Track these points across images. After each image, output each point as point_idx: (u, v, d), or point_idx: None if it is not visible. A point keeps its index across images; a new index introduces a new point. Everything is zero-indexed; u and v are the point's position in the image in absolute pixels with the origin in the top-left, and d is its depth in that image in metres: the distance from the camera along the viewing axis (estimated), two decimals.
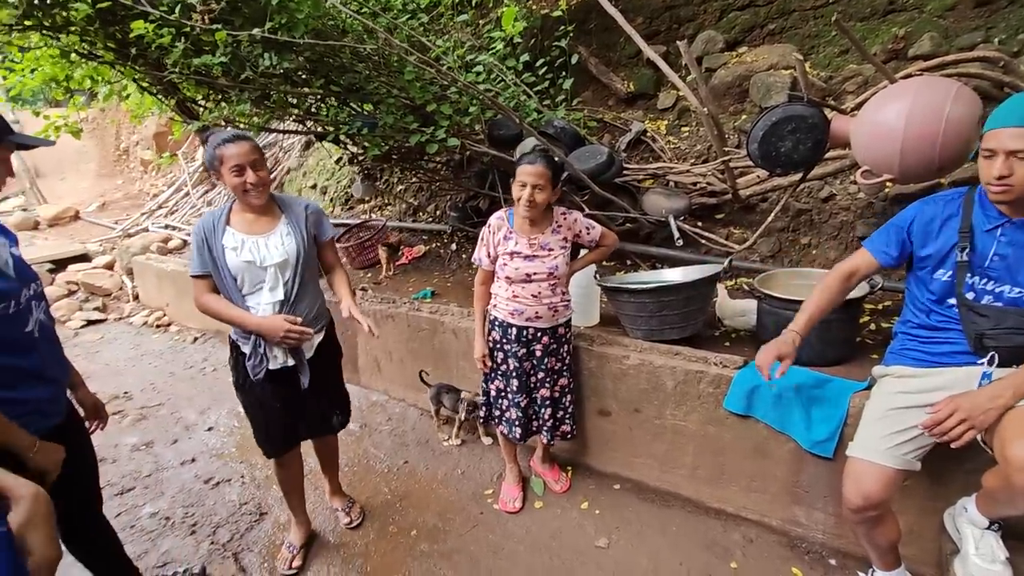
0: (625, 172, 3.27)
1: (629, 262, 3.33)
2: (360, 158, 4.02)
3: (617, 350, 2.39)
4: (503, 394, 2.31)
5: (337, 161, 5.61)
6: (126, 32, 2.42)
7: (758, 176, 2.95)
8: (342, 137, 3.36)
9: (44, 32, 2.52)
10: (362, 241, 4.09)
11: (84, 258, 6.47)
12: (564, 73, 3.60)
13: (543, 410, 2.27)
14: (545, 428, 2.28)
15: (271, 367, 1.83)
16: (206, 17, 2.39)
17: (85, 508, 1.66)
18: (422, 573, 2.07)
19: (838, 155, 2.72)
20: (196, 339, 4.64)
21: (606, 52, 4.40)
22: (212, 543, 2.25)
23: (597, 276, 2.60)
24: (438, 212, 4.58)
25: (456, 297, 3.34)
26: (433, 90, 3.00)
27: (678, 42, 2.45)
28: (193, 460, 2.87)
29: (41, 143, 1.51)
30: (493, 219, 2.19)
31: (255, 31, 2.39)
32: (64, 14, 2.37)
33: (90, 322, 5.24)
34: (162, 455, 2.94)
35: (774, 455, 2.06)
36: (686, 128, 3.72)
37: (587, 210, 3.06)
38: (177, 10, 2.35)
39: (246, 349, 1.82)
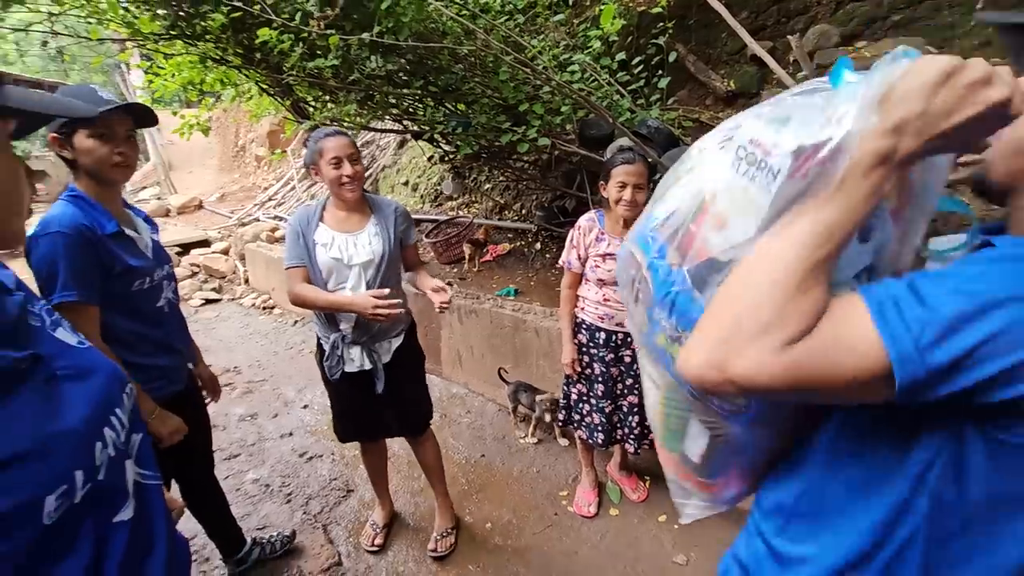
0: None
1: None
2: (451, 156, 4.14)
3: None
4: (585, 399, 2.28)
5: (429, 159, 5.82)
6: (252, 39, 2.65)
7: None
8: (436, 136, 3.48)
9: (186, 40, 2.82)
10: (449, 237, 4.21)
11: (205, 243, 7.19)
12: (660, 71, 3.48)
13: (630, 418, 2.21)
14: (632, 436, 2.23)
15: (347, 369, 1.86)
16: (321, 23, 2.56)
17: (200, 468, 1.86)
18: (495, 566, 2.10)
19: (974, 160, 2.43)
20: (296, 322, 5.00)
21: (705, 49, 4.21)
22: (304, 512, 2.43)
23: None
24: (524, 211, 4.61)
25: (539, 296, 3.35)
26: (526, 90, 3.02)
27: (789, 36, 2.30)
28: (291, 434, 3.10)
29: (148, 122, 1.52)
30: (583, 220, 2.17)
31: (364, 35, 2.53)
32: (203, 24, 2.64)
33: (208, 301, 5.82)
34: (264, 427, 3.21)
35: None
36: None
37: None
38: (297, 17, 2.54)
39: (326, 347, 1.87)
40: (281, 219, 7.05)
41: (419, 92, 3.15)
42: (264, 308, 5.48)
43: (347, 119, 3.20)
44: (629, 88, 3.56)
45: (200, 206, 9.74)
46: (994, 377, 0.47)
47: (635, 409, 2.21)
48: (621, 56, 3.31)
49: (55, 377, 0.59)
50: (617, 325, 2.12)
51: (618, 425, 2.27)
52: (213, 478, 1.96)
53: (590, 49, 2.97)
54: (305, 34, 2.57)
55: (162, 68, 3.30)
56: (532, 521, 2.33)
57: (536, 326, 2.94)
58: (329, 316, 1.86)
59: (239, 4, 2.48)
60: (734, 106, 3.90)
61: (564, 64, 3.21)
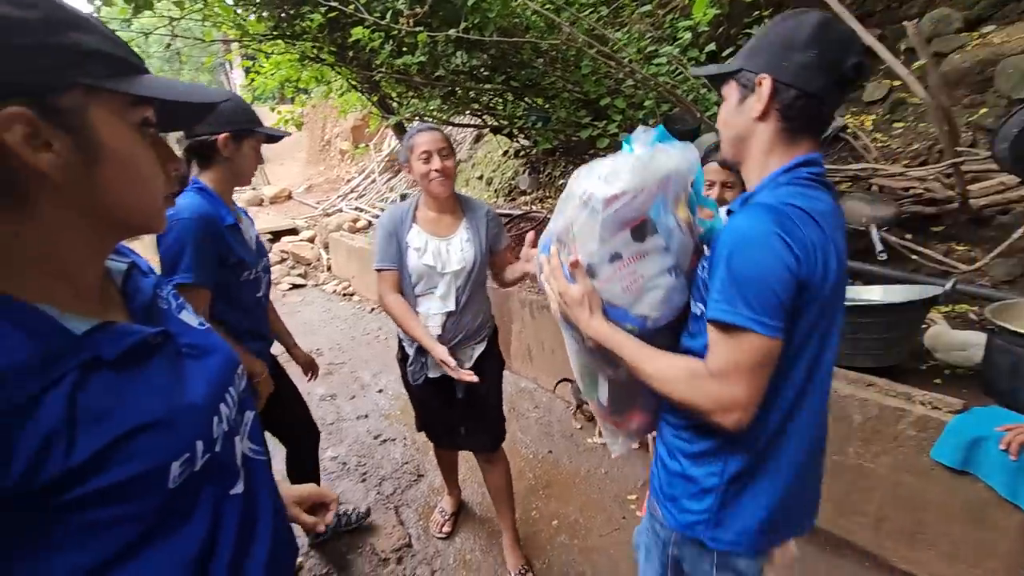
0: None
1: None
2: (528, 151, 4.15)
3: None
4: None
5: (504, 153, 5.87)
6: (346, 38, 2.78)
7: (1002, 183, 2.42)
8: (515, 131, 3.49)
9: (286, 40, 3.00)
10: (523, 232, 4.23)
11: (293, 232, 7.66)
12: None
13: None
14: None
15: (430, 375, 1.84)
16: (411, 21, 2.63)
17: (309, 439, 2.13)
18: (561, 564, 2.09)
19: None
20: (373, 309, 5.22)
21: None
22: (378, 493, 2.53)
23: None
24: None
25: None
26: (607, 84, 2.96)
27: (905, 23, 2.10)
28: (366, 416, 3.24)
29: (282, 134, 1.82)
30: None
31: (451, 31, 2.57)
32: (302, 24, 2.80)
33: (294, 286, 6.20)
34: (343, 407, 3.37)
35: (998, 525, 1.68)
36: (900, 124, 3.19)
37: None
38: (388, 16, 2.63)
39: (409, 351, 1.85)
40: (361, 210, 7.37)
41: (500, 87, 3.18)
42: (344, 294, 5.76)
43: (430, 114, 3.28)
44: None
45: (290, 196, 10.38)
46: None
47: None
48: (711, 47, 3.16)
49: (180, 354, 0.63)
50: None
51: None
52: (316, 452, 2.14)
53: (679, 40, 2.86)
54: (395, 32, 2.65)
55: (263, 67, 3.54)
56: (599, 523, 2.30)
57: None
58: None
59: (335, 4, 2.60)
60: None
61: (649, 57, 3.12)
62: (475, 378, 1.61)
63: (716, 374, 0.87)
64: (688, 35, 2.78)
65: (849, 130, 3.24)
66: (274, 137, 1.70)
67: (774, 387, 0.88)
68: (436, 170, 1.69)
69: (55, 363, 0.50)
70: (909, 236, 2.67)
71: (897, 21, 3.44)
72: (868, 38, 2.38)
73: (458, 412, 1.91)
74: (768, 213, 0.85)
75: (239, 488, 0.67)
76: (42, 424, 0.47)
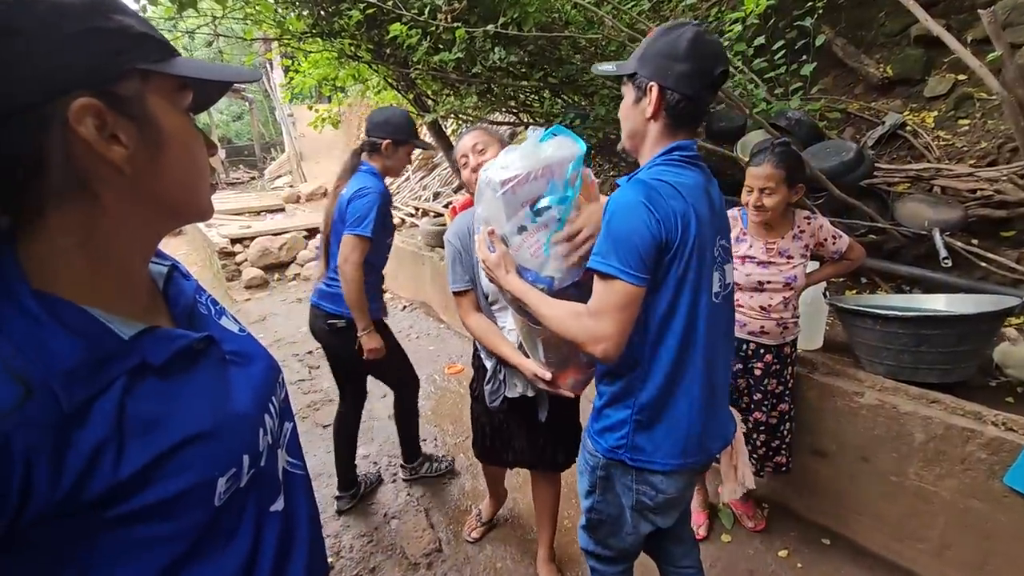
0: (875, 173, 2.75)
1: (864, 280, 2.80)
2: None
3: (847, 384, 2.02)
4: None
5: None
6: (383, 35, 2.76)
7: None
8: None
9: (324, 38, 3.00)
10: None
11: None
12: (804, 57, 3.14)
13: (755, 435, 2.03)
14: (755, 456, 2.04)
15: (509, 395, 1.66)
16: (449, 16, 2.59)
17: (411, 386, 2.54)
18: None
19: None
20: (404, 307, 5.23)
21: (857, 31, 3.74)
22: (408, 495, 2.50)
23: (826, 294, 2.22)
24: None
25: None
26: None
27: (980, 11, 1.93)
28: None
29: (429, 147, 2.25)
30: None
31: (489, 27, 2.52)
32: (340, 21, 2.79)
33: None
34: (374, 407, 3.36)
35: None
36: (966, 121, 2.98)
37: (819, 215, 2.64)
38: (426, 12, 2.60)
39: (488, 365, 1.69)
40: (394, 207, 7.41)
41: (538, 84, 3.11)
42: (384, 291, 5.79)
43: (465, 112, 3.24)
44: (765, 76, 3.25)
45: (326, 193, 10.55)
46: None
47: (760, 427, 2.02)
48: (760, 40, 3.02)
49: (224, 361, 0.60)
50: (749, 333, 1.95)
51: None
52: (417, 397, 2.55)
53: (727, 33, 2.74)
54: (432, 28, 2.62)
55: (301, 65, 3.56)
56: None
57: None
58: None
59: (374, 1, 2.58)
60: (890, 95, 3.43)
61: None
62: (571, 393, 1.49)
63: (592, 313, 1.09)
64: (737, 28, 2.66)
65: (908, 128, 3.05)
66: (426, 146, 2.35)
67: (659, 336, 1.13)
68: (474, 169, 1.57)
69: (104, 369, 0.47)
70: (976, 241, 2.49)
71: (964, 10, 3.22)
72: (936, 28, 2.22)
73: (535, 434, 1.76)
74: (640, 187, 1.08)
75: (279, 505, 0.63)
76: (91, 433, 0.44)
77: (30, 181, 0.45)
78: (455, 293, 1.65)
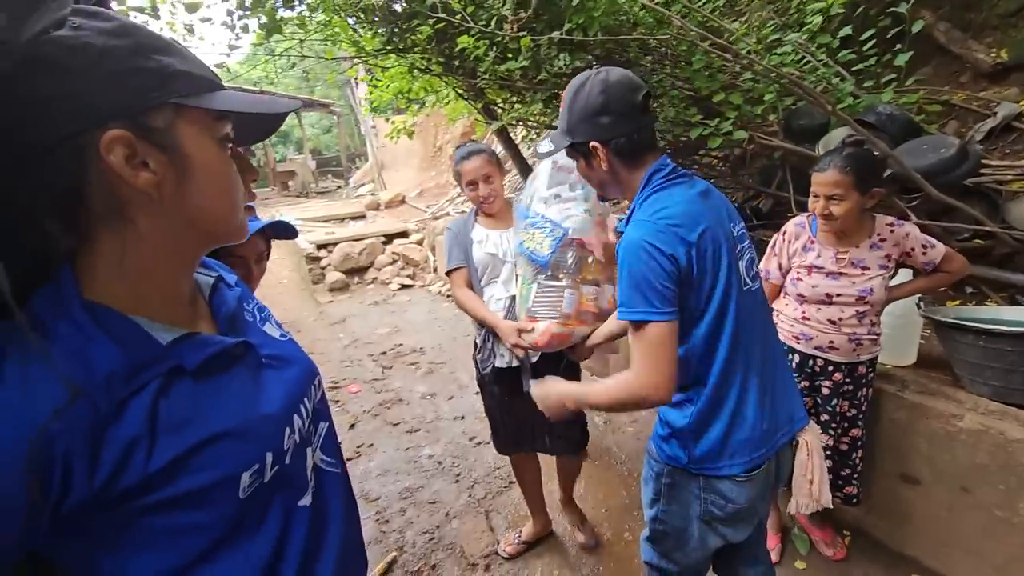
0: (983, 171, 2.47)
1: (970, 289, 2.52)
2: None
3: (944, 404, 1.83)
4: None
5: None
6: (452, 48, 2.85)
7: None
8: None
9: (398, 53, 3.15)
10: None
11: (404, 234, 8.09)
12: (898, 46, 2.88)
13: None
14: None
15: (498, 364, 1.85)
16: (515, 26, 2.64)
17: None
18: None
19: None
20: None
21: (964, 14, 3.38)
22: (470, 496, 2.56)
23: (921, 305, 2.03)
24: None
25: None
26: (722, 79, 2.75)
27: None
28: (463, 417, 3.30)
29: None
30: (791, 225, 1.89)
31: (554, 34, 2.54)
32: (412, 37, 2.92)
33: (403, 286, 6.54)
34: (441, 407, 3.47)
35: None
36: None
37: (914, 219, 2.41)
38: (492, 23, 2.65)
39: (479, 341, 1.93)
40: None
41: None
42: (448, 296, 5.96)
43: (532, 119, 3.27)
44: (853, 69, 3.01)
45: (403, 201, 11.01)
46: None
47: (827, 451, 1.86)
48: (846, 31, 2.81)
49: (261, 365, 0.65)
50: (816, 348, 1.81)
51: None
52: None
53: (809, 24, 2.58)
54: (499, 38, 2.67)
55: (379, 81, 3.76)
56: None
57: None
58: None
59: (443, 16, 2.67)
60: (1004, 82, 3.07)
61: (771, 46, 2.85)
62: (541, 344, 1.68)
63: (639, 363, 1.10)
64: (818, 19, 2.49)
65: None
66: None
67: (708, 348, 1.15)
68: (483, 197, 1.87)
69: (141, 372, 0.52)
70: None
71: None
72: None
73: (530, 409, 1.78)
74: (641, 227, 1.11)
75: (307, 500, 0.67)
76: (125, 430, 0.49)
77: (73, 205, 0.51)
78: (448, 272, 1.93)
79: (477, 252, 1.88)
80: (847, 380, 1.81)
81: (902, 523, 1.98)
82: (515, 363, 1.84)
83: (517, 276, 1.80)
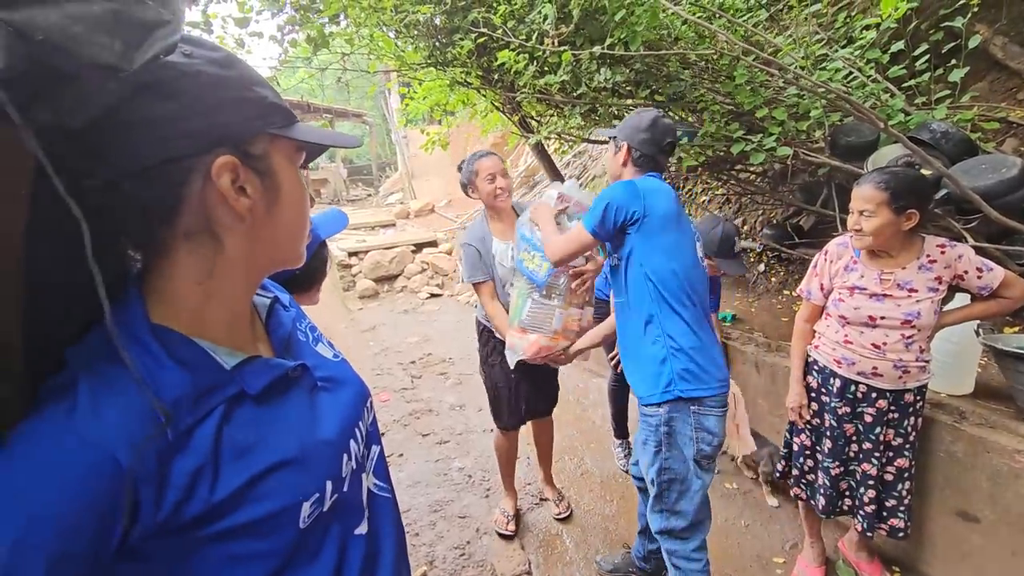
0: None
1: None
2: (669, 168, 3.94)
3: (1006, 439, 1.73)
4: (809, 452, 1.93)
5: None
6: (491, 62, 2.87)
7: None
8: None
9: (438, 67, 3.19)
10: None
11: (434, 244, 8.16)
12: (952, 61, 2.78)
13: (863, 489, 1.80)
14: (862, 513, 1.81)
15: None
16: (556, 40, 2.64)
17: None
18: None
19: None
20: None
21: (1021, 28, 3.25)
22: (503, 512, 2.52)
23: (980, 332, 1.93)
24: (746, 227, 4.16)
25: (760, 325, 2.97)
26: (765, 94, 2.69)
27: None
28: (492, 430, 3.26)
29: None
30: (833, 245, 1.83)
31: (595, 48, 2.53)
32: (453, 51, 2.95)
33: (432, 295, 6.58)
34: (470, 418, 3.46)
35: None
36: None
37: (971, 241, 2.30)
38: (532, 38, 2.66)
39: (485, 326, 2.23)
40: None
41: (643, 102, 3.05)
42: (476, 306, 5.97)
43: (569, 132, 3.26)
44: (903, 85, 2.93)
45: (432, 210, 11.12)
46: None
47: (870, 481, 1.78)
48: (897, 46, 2.73)
49: (316, 388, 0.64)
50: (858, 374, 1.73)
51: (846, 494, 1.86)
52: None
53: (860, 39, 2.51)
54: (539, 53, 2.68)
55: (416, 93, 3.81)
56: None
57: (757, 360, 2.60)
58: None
59: (484, 31, 2.70)
60: None
61: (818, 61, 2.79)
62: (532, 355, 1.91)
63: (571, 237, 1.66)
64: (870, 34, 2.43)
65: None
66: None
67: (669, 279, 1.55)
68: (501, 188, 2.05)
69: (206, 398, 0.52)
70: None
71: None
72: None
73: (533, 390, 2.27)
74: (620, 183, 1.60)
75: (363, 528, 0.66)
76: (191, 459, 0.49)
77: (162, 225, 0.51)
78: (475, 284, 2.11)
79: (499, 269, 2.09)
80: (892, 408, 1.73)
81: (959, 563, 1.87)
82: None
83: (512, 284, 2.04)
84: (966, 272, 1.63)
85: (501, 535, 2.36)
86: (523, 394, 2.25)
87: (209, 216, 0.52)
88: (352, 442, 0.65)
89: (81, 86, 0.40)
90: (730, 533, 2.31)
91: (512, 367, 2.03)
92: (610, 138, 1.75)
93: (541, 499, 2.63)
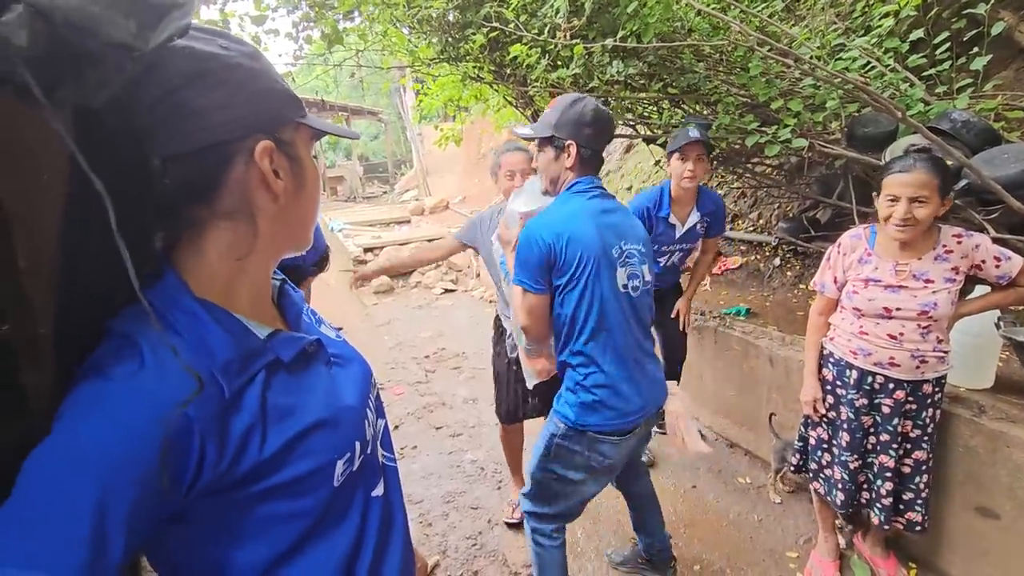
0: None
1: None
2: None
3: None
4: (826, 446, 1.91)
5: (656, 163, 5.63)
6: (504, 56, 2.88)
7: None
8: (671, 140, 3.31)
9: (450, 62, 3.21)
10: None
11: None
12: (975, 48, 2.72)
13: (880, 482, 1.78)
14: (879, 505, 1.79)
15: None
16: (568, 34, 2.64)
17: None
18: None
19: None
20: None
21: None
22: (510, 503, 2.54)
23: (1002, 324, 1.89)
24: (761, 221, 4.12)
25: (775, 319, 2.94)
26: (780, 85, 2.66)
27: None
28: None
29: None
30: (846, 238, 1.81)
31: (607, 41, 2.52)
32: (465, 46, 2.96)
33: (446, 290, 6.62)
34: (483, 412, 3.48)
35: None
36: None
37: (992, 232, 2.25)
38: (545, 32, 2.66)
39: (507, 326, 2.18)
40: None
41: (656, 95, 3.04)
42: (490, 301, 5.99)
43: None
44: (923, 74, 2.87)
45: (447, 207, 11.17)
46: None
47: (887, 473, 1.76)
48: (917, 34, 2.68)
49: (330, 362, 0.68)
50: (875, 364, 1.71)
51: (864, 487, 1.84)
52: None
53: (876, 29, 2.47)
54: (551, 47, 2.68)
55: (429, 89, 3.83)
56: None
57: (771, 354, 2.58)
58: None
59: (496, 25, 2.70)
60: None
61: (835, 51, 2.75)
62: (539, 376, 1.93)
63: (518, 310, 1.54)
64: (888, 22, 2.39)
65: None
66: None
67: (573, 322, 1.48)
68: (518, 188, 1.97)
69: (251, 362, 0.56)
70: None
71: None
72: None
73: (529, 389, 2.22)
74: (534, 223, 1.50)
75: (380, 490, 0.70)
76: (244, 417, 0.53)
77: (202, 204, 0.54)
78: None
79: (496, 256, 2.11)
80: (910, 399, 1.70)
81: (979, 560, 1.84)
82: None
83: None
84: (983, 261, 1.61)
85: (509, 524, 2.39)
86: (521, 392, 2.26)
87: (247, 197, 0.56)
88: (368, 410, 0.70)
89: (101, 66, 0.42)
90: (743, 527, 2.30)
91: (531, 388, 2.04)
92: (544, 139, 1.53)
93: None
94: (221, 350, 0.53)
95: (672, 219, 2.55)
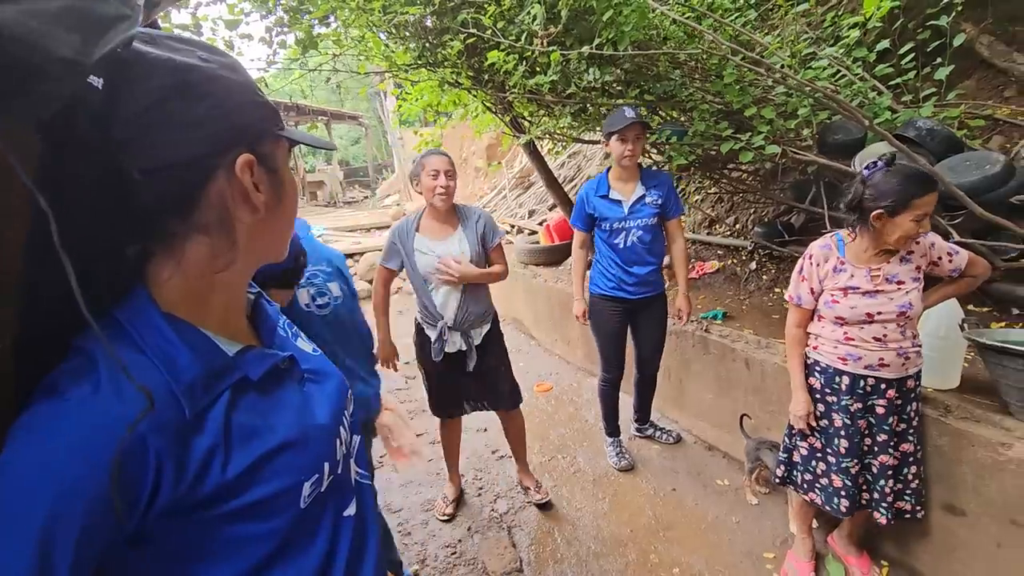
0: None
1: (1017, 311, 2.41)
2: (660, 166, 3.96)
3: (991, 432, 1.75)
4: (819, 456, 1.90)
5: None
6: (482, 62, 2.88)
7: None
8: (647, 146, 3.35)
9: (428, 67, 3.20)
10: None
11: None
12: (938, 59, 2.81)
13: (883, 481, 1.80)
14: (884, 504, 1.80)
15: (448, 350, 2.27)
16: (545, 41, 2.65)
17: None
18: None
19: None
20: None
21: (1008, 26, 3.28)
22: (492, 510, 2.53)
23: (965, 326, 1.95)
24: (738, 226, 4.18)
25: (751, 322, 2.98)
26: (753, 93, 2.71)
27: None
28: (486, 430, 3.28)
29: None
30: (816, 248, 1.83)
31: (583, 48, 2.54)
32: (443, 51, 2.96)
33: None
34: (463, 419, 3.45)
35: None
36: None
37: (956, 237, 2.32)
38: (522, 39, 2.68)
39: (431, 334, 2.28)
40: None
41: (633, 102, 3.07)
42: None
43: (560, 132, 3.27)
44: (890, 83, 2.95)
45: None
46: None
47: (888, 471, 1.79)
48: (883, 45, 2.75)
49: (303, 379, 0.66)
50: (865, 368, 1.74)
51: (864, 489, 1.86)
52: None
53: (844, 39, 2.53)
54: (529, 53, 2.69)
55: (408, 94, 3.82)
56: None
57: (747, 356, 2.61)
58: (432, 310, 2.26)
59: (474, 31, 2.71)
60: None
61: (806, 60, 2.81)
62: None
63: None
64: (855, 33, 2.45)
65: None
66: None
67: None
68: (441, 187, 2.11)
69: (217, 381, 0.54)
70: None
71: None
72: None
73: (474, 382, 2.37)
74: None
75: (352, 510, 0.68)
76: (205, 439, 0.51)
77: (178, 217, 0.53)
78: (381, 264, 2.39)
79: (421, 260, 2.19)
80: (899, 396, 1.76)
81: (945, 557, 1.88)
82: (463, 348, 2.28)
83: (434, 285, 2.26)
84: (939, 258, 1.72)
85: (439, 519, 2.48)
86: (458, 387, 2.39)
87: (226, 211, 0.54)
88: (341, 428, 0.68)
89: (47, 80, 0.41)
90: (720, 530, 2.31)
91: (438, 359, 2.25)
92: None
93: (523, 487, 2.63)
94: (185, 369, 0.52)
95: (614, 195, 2.58)
